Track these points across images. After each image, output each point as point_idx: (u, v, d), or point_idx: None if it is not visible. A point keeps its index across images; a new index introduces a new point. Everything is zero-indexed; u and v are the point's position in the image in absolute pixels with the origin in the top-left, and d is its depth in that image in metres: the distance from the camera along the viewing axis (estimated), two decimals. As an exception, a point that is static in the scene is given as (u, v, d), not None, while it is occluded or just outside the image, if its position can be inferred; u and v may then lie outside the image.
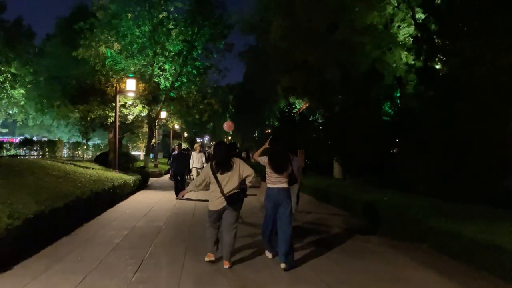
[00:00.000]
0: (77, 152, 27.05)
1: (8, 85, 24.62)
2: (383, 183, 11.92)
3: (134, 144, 38.91)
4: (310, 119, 22.85)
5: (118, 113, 13.06)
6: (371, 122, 13.73)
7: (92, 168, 12.65)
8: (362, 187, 11.43)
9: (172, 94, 21.70)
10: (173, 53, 20.76)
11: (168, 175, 16.08)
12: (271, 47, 16.02)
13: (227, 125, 23.48)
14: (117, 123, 13.13)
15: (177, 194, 11.09)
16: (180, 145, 13.25)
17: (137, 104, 14.76)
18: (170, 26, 20.83)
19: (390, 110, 21.24)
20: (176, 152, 12.27)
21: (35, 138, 30.68)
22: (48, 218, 5.89)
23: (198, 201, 10.84)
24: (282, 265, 4.73)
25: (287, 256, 4.75)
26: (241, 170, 4.83)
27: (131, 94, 13.36)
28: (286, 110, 21.16)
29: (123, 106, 14.49)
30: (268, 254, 5.32)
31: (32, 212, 5.46)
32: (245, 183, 5.14)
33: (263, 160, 5.12)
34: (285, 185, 4.95)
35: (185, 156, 12.63)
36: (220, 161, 4.85)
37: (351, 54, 14.22)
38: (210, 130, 56.59)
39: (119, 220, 8.28)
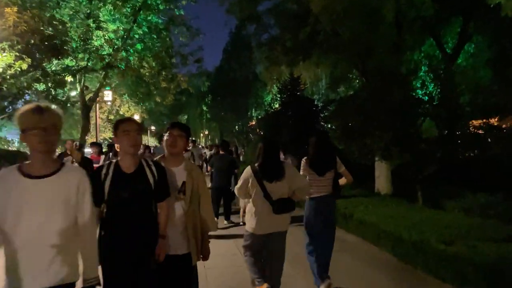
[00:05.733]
0: None
1: None
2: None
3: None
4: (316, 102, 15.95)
5: None
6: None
7: None
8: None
9: (119, 65, 14.25)
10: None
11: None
12: None
13: None
14: None
15: None
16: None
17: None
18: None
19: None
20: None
21: None
22: None
23: None
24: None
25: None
26: (293, 179, 3.44)
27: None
28: (289, 87, 14.04)
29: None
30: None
31: None
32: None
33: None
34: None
35: None
36: (269, 164, 3.43)
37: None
38: (183, 123, 48.66)
39: None
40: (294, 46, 12.40)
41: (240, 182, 3.50)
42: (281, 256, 3.54)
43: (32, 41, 7.10)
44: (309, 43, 11.55)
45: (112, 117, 24.38)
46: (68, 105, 18.44)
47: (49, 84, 10.63)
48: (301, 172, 3.97)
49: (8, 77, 6.93)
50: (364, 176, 11.37)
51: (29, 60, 6.93)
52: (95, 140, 17.54)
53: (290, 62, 12.77)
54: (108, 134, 27.41)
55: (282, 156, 8.01)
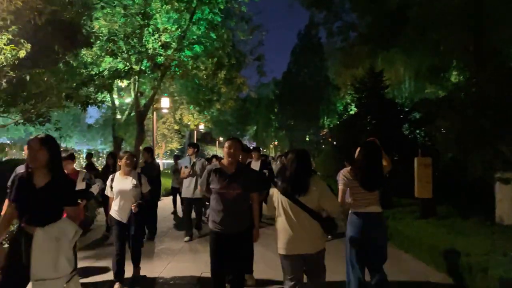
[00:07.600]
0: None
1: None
2: None
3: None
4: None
5: None
6: None
7: None
8: None
9: (172, 65, 12.93)
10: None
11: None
12: None
13: None
14: None
15: None
16: None
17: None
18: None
19: None
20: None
21: None
22: None
23: None
24: None
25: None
26: (321, 196, 3.05)
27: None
28: (368, 84, 11.45)
29: None
30: None
31: None
32: None
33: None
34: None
35: None
36: (293, 178, 3.09)
37: None
38: (251, 133, 47.33)
39: None
40: (374, 33, 9.91)
41: (268, 202, 3.27)
42: (320, 277, 3.17)
43: (33, 22, 5.66)
44: (396, 25, 9.01)
45: (176, 127, 23.57)
46: (132, 113, 17.76)
47: (92, 89, 9.56)
48: (340, 186, 3.64)
49: (8, 68, 5.52)
50: (477, 199, 8.40)
51: (28, 46, 5.46)
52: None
53: (369, 53, 10.24)
54: (174, 144, 26.77)
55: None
